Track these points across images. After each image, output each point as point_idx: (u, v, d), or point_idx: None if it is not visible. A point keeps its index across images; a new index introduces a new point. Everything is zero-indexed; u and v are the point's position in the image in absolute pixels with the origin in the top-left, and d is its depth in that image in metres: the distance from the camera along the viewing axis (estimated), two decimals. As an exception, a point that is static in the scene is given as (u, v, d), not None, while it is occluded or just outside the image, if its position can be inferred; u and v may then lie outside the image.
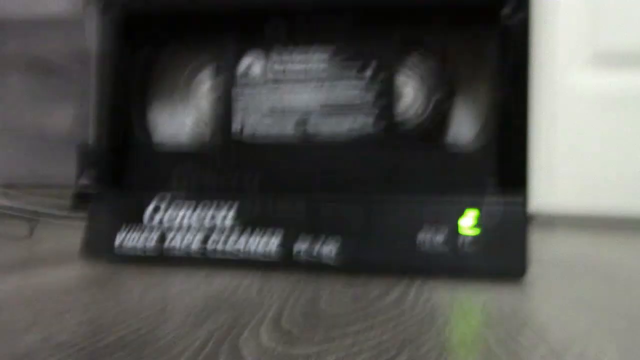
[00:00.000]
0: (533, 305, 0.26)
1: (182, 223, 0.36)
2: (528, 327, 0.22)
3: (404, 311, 0.24)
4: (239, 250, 0.34)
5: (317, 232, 0.34)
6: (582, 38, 1.14)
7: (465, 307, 0.26)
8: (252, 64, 0.37)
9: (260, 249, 0.34)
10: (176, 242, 0.35)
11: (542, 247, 0.55)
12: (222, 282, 0.30)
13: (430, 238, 0.33)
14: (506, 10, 0.33)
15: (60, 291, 0.27)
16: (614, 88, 1.19)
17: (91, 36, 0.38)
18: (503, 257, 0.32)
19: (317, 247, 0.33)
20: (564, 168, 1.21)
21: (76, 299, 0.25)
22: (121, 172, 0.39)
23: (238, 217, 0.35)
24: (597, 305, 0.27)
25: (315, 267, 0.33)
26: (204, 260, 0.35)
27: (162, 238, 0.36)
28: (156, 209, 0.37)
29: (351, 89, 0.36)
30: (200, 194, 0.36)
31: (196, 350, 0.18)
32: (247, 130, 0.37)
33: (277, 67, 0.37)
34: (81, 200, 0.98)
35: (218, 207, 0.36)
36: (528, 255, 0.32)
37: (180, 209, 0.36)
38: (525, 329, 0.22)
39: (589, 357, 0.18)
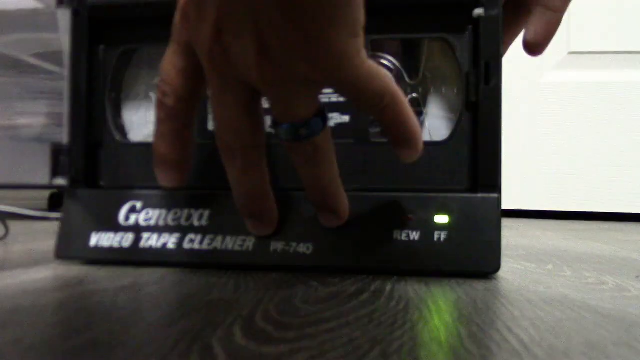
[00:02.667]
0: (505, 300, 0.27)
1: (158, 223, 0.36)
2: (500, 322, 0.22)
3: (378, 308, 0.24)
4: (215, 250, 0.34)
5: (293, 230, 0.34)
6: (557, 39, 1.16)
7: (439, 302, 0.26)
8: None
9: (236, 248, 0.34)
10: (152, 242, 0.35)
11: (514, 243, 0.56)
12: (197, 281, 0.30)
13: (406, 234, 0.33)
14: (478, 8, 0.33)
15: (33, 292, 0.27)
16: (587, 84, 1.21)
17: (64, 33, 0.37)
18: (477, 253, 0.32)
19: (293, 246, 0.33)
20: (538, 164, 1.23)
21: (49, 299, 0.25)
22: (96, 171, 0.38)
23: (214, 216, 0.35)
24: (566, 300, 0.27)
25: (291, 265, 0.33)
26: (180, 260, 0.35)
27: (137, 238, 0.35)
28: (132, 209, 0.36)
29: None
30: (176, 193, 0.36)
31: (168, 350, 0.18)
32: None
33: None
34: (56, 200, 0.97)
35: (194, 207, 0.36)
36: (501, 250, 0.32)
37: (156, 209, 0.36)
38: (497, 323, 0.22)
39: (558, 350, 0.19)
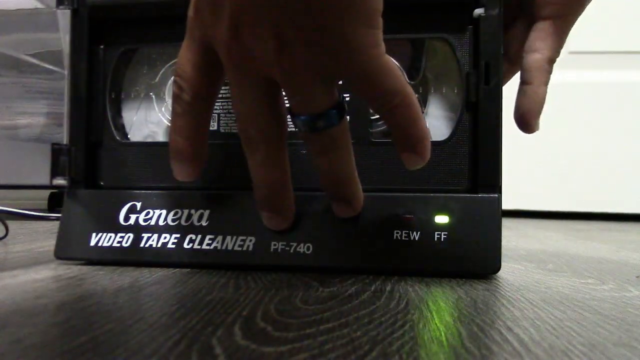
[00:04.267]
0: (505, 300, 0.27)
1: (158, 223, 0.36)
2: (500, 322, 0.22)
3: (378, 308, 0.24)
4: (215, 250, 0.34)
5: (293, 230, 0.34)
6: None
7: (439, 302, 0.26)
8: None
9: (236, 248, 0.34)
10: (152, 242, 0.35)
11: (515, 243, 0.56)
12: (198, 281, 0.30)
13: (406, 234, 0.33)
14: (478, 8, 0.33)
15: (33, 292, 0.27)
16: (587, 84, 1.21)
17: (64, 33, 0.37)
18: (477, 253, 0.32)
19: (292, 246, 0.33)
20: (538, 164, 1.23)
21: (49, 299, 0.25)
22: (96, 171, 0.38)
23: (214, 216, 0.35)
24: (566, 300, 0.27)
25: (291, 265, 0.33)
26: (180, 260, 0.35)
27: (137, 238, 0.35)
28: (132, 209, 0.36)
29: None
30: (176, 193, 0.36)
31: (168, 350, 0.18)
32: (223, 130, 0.37)
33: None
34: (56, 200, 0.97)
35: (194, 207, 0.36)
36: (501, 250, 0.32)
37: (156, 209, 0.36)
38: (497, 323, 0.22)
39: (558, 350, 0.19)
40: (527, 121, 0.36)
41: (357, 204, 0.32)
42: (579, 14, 0.35)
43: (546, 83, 0.36)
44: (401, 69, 0.36)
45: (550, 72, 0.36)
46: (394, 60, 0.36)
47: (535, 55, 0.35)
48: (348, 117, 0.35)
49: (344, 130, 0.30)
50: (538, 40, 0.35)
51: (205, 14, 0.27)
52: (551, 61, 0.35)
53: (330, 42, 0.26)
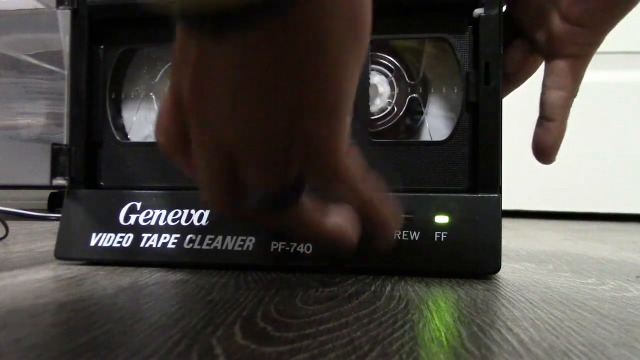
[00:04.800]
0: (505, 300, 0.27)
1: (158, 223, 0.36)
2: (500, 322, 0.22)
3: (378, 308, 0.24)
4: (215, 250, 0.34)
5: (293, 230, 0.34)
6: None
7: (439, 302, 0.26)
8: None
9: (236, 248, 0.34)
10: (152, 242, 0.35)
11: (515, 243, 0.56)
12: (198, 281, 0.30)
13: (406, 234, 0.33)
14: (478, 8, 0.33)
15: (33, 292, 0.27)
16: (587, 84, 1.21)
17: (64, 33, 0.37)
18: (477, 253, 0.32)
19: (293, 246, 0.33)
20: (538, 164, 1.23)
21: (50, 299, 0.25)
22: (96, 171, 0.38)
23: (214, 216, 0.35)
24: (566, 300, 0.27)
25: (291, 265, 0.33)
26: (180, 260, 0.34)
27: (137, 238, 0.35)
28: (132, 209, 0.36)
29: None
30: (176, 193, 0.36)
31: (168, 350, 0.18)
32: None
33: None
34: (56, 200, 0.97)
35: (194, 207, 0.36)
36: (501, 250, 0.32)
37: (156, 209, 0.36)
38: (497, 323, 0.22)
39: (558, 350, 0.19)
40: (548, 155, 0.36)
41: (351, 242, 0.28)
42: (596, 51, 0.35)
43: (567, 119, 0.36)
44: (398, 66, 0.36)
45: (570, 108, 0.36)
46: (387, 58, 0.36)
47: (559, 93, 0.35)
48: (348, 117, 0.35)
49: (301, 209, 0.26)
50: (561, 77, 0.35)
51: (177, 68, 0.24)
52: (574, 98, 0.36)
53: (291, 136, 0.23)
